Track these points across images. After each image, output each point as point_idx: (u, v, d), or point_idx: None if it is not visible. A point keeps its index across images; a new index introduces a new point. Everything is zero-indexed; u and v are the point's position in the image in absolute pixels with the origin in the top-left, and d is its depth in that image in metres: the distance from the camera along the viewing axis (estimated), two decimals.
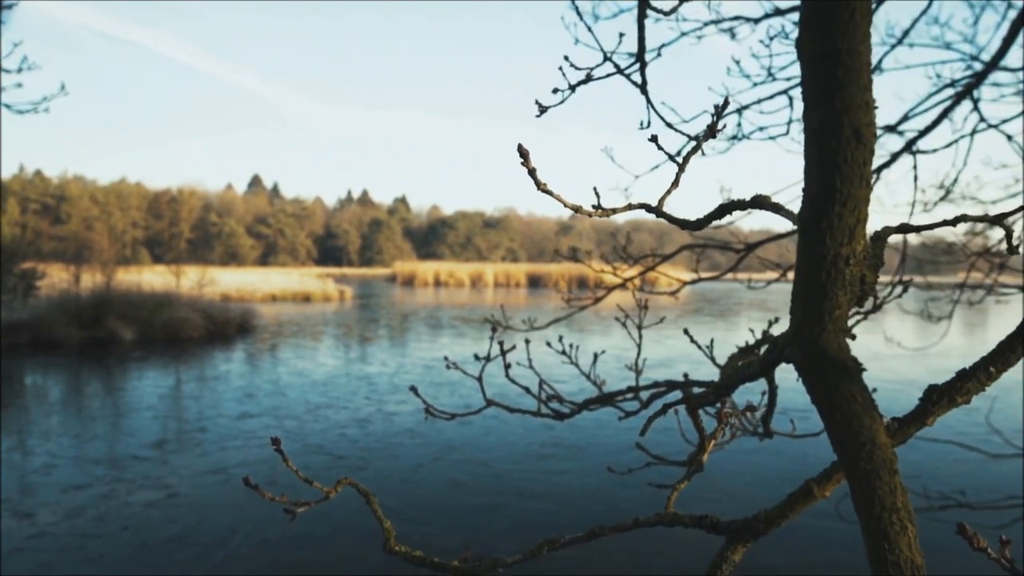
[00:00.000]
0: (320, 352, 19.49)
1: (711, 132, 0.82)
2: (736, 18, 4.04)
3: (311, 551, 6.19)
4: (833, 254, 0.48)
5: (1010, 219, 0.74)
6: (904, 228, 0.72)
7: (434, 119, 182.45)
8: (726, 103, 0.81)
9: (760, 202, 0.71)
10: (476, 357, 1.62)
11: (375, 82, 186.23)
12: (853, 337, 1.57)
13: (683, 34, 3.73)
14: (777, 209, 0.70)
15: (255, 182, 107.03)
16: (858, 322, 1.50)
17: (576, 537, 0.72)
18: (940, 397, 0.57)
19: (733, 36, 4.34)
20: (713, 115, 0.97)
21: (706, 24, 3.74)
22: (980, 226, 5.92)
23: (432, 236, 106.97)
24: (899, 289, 1.55)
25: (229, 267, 65.99)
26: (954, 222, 0.74)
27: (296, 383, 14.53)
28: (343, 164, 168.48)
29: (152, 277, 25.80)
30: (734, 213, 0.78)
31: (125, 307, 20.71)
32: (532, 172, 0.70)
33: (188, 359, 17.98)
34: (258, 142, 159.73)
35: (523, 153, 0.69)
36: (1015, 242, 0.78)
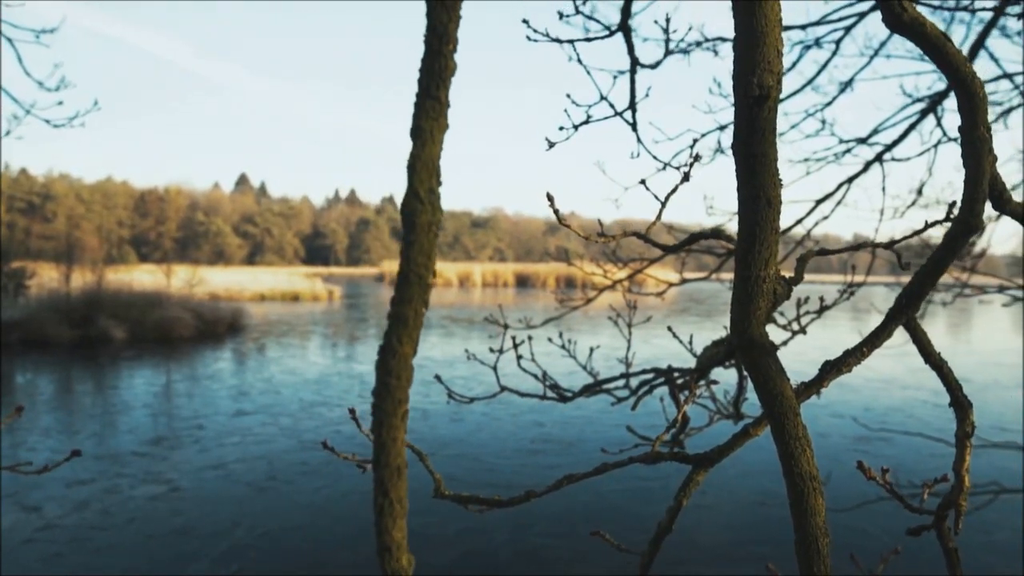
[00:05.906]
0: (311, 351, 19.69)
1: (686, 177, 1.10)
2: (718, 39, 4.35)
3: (311, 543, 6.45)
4: (755, 276, 0.76)
5: (900, 244, 1.03)
6: (822, 252, 1.01)
7: None
8: (697, 157, 1.09)
9: (718, 233, 1.00)
10: (491, 350, 1.90)
11: (364, 82, 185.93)
12: (804, 333, 1.86)
13: (670, 52, 4.02)
14: (730, 239, 0.98)
15: (242, 181, 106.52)
16: (812, 320, 1.79)
17: (588, 472, 0.99)
18: (831, 368, 0.86)
19: (716, 54, 4.65)
20: (690, 149, 1.25)
21: (690, 45, 4.04)
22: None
23: None
24: (846, 295, 1.85)
25: (217, 266, 65.76)
26: (857, 248, 1.03)
27: (289, 381, 14.73)
28: (330, 163, 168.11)
29: (142, 276, 25.83)
30: (698, 230, 1.06)
31: (116, 306, 20.78)
32: (557, 212, 0.98)
33: (180, 358, 18.11)
34: (245, 141, 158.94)
35: (550, 199, 0.97)
36: (908, 261, 1.06)
